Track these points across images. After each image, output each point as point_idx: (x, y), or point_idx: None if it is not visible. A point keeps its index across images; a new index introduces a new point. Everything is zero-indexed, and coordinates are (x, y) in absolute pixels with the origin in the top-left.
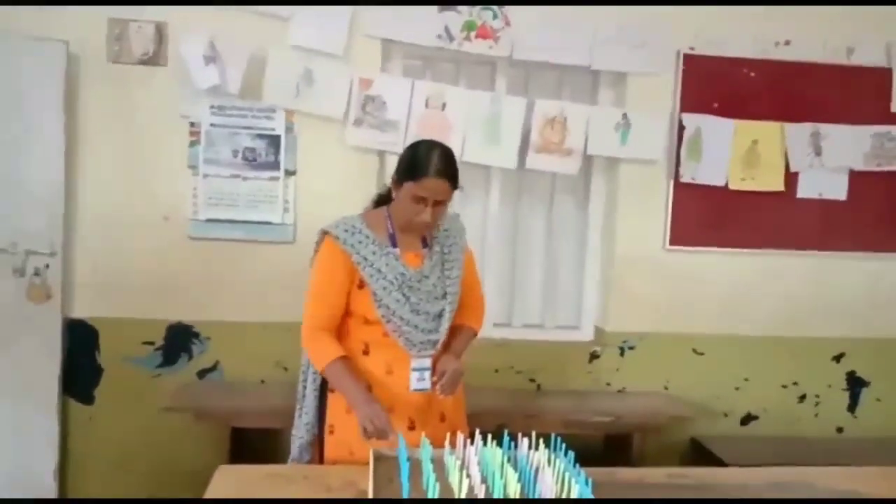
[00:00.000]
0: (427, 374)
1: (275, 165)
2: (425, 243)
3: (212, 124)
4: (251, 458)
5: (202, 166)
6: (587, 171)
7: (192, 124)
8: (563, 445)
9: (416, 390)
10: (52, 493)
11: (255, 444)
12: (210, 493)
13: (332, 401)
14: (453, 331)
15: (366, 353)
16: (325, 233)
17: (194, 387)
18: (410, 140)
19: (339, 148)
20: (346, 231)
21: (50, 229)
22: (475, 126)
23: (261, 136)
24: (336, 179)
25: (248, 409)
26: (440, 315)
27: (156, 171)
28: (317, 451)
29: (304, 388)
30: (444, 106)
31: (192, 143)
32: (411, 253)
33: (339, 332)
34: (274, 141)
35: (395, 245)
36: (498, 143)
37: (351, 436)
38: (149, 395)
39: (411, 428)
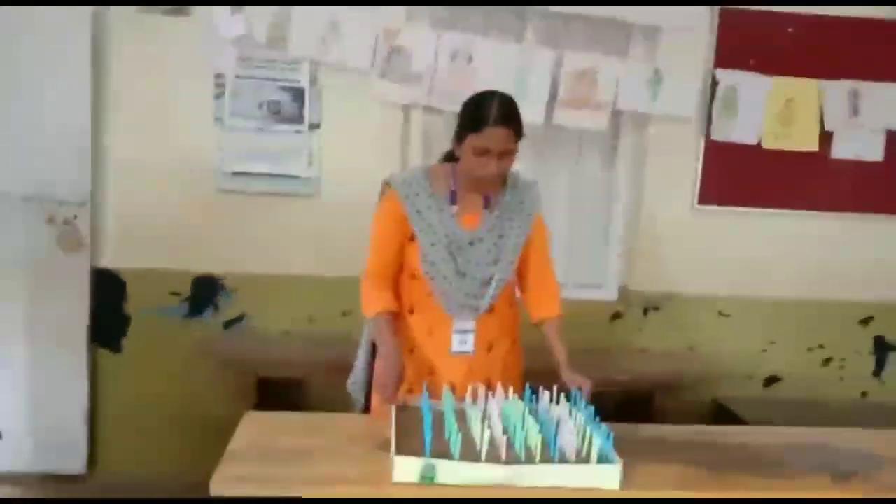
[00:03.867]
0: (470, 336)
1: (299, 119)
2: (487, 204)
3: (237, 76)
4: (277, 407)
5: (228, 119)
6: (615, 128)
7: (217, 76)
8: (584, 401)
9: (457, 352)
10: (83, 438)
11: (280, 393)
12: (236, 439)
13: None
14: (548, 333)
15: (411, 311)
16: (386, 183)
17: (220, 337)
18: (436, 94)
19: (363, 101)
20: (404, 182)
21: (79, 179)
22: (502, 80)
23: (285, 89)
24: (360, 133)
25: (273, 360)
26: (488, 282)
27: (182, 123)
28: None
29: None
30: (470, 59)
31: (218, 95)
32: (469, 214)
33: (396, 287)
34: (299, 94)
35: (454, 202)
36: (525, 97)
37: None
38: (176, 345)
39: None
